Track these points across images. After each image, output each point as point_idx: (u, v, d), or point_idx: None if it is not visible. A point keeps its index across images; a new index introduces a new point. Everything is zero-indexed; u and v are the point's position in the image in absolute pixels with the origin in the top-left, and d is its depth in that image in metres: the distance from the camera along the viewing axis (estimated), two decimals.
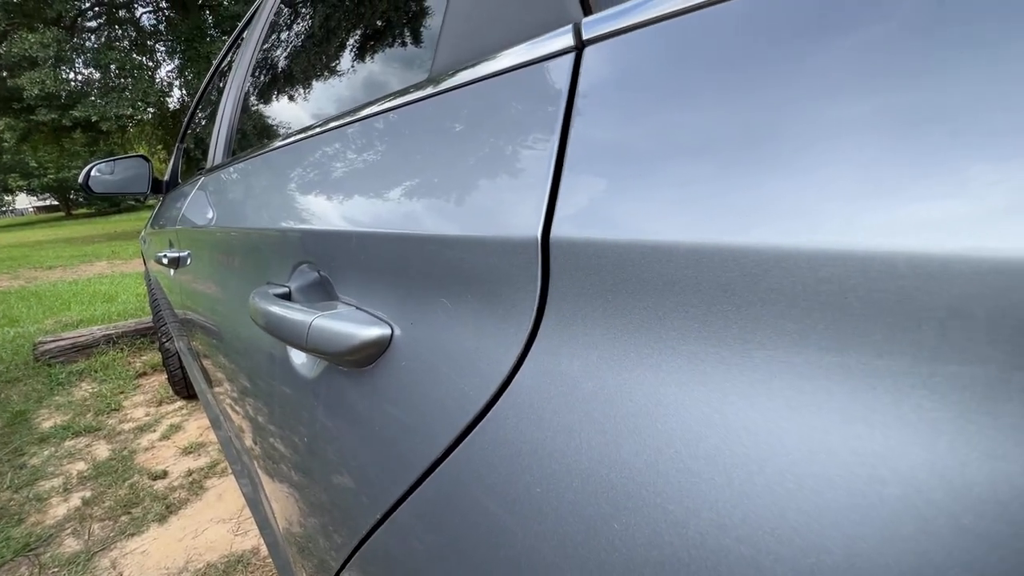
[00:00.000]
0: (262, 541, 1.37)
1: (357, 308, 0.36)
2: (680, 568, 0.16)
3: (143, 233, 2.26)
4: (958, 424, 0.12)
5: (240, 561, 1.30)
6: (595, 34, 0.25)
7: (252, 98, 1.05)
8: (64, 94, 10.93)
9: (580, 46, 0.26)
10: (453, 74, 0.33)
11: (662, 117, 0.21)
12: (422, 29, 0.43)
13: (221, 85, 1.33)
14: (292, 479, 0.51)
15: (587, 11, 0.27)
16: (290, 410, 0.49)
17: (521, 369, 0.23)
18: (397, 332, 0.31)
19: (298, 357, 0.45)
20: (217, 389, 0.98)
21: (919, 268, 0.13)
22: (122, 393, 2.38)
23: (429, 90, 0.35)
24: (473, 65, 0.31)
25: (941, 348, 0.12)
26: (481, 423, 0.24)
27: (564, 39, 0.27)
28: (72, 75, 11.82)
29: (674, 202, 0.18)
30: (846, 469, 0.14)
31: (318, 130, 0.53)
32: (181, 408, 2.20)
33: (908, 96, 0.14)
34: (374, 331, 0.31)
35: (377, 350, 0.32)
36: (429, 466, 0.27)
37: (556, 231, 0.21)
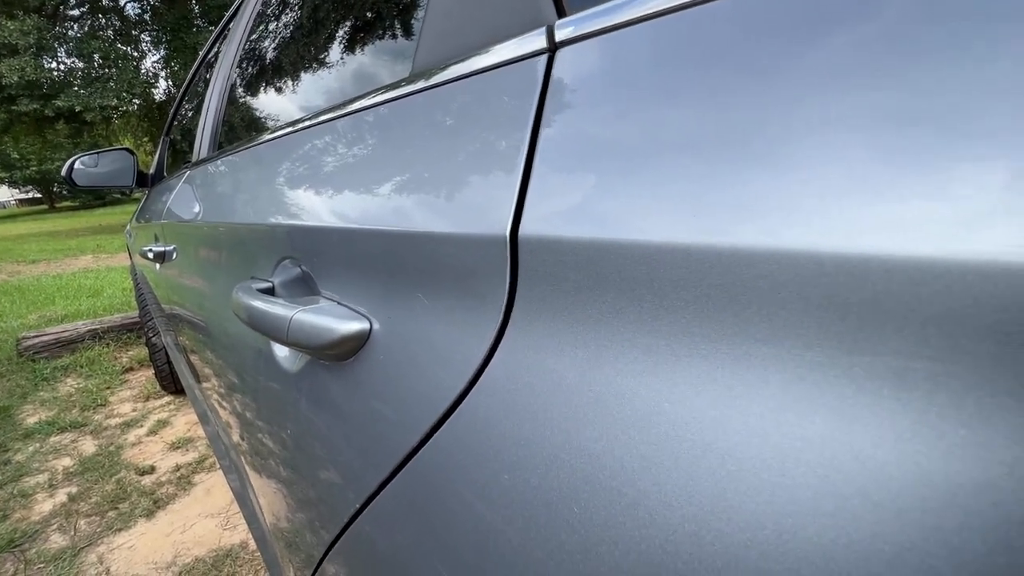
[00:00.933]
0: (250, 535, 1.38)
1: (338, 303, 0.36)
2: (631, 546, 0.17)
3: (128, 227, 2.24)
4: (873, 410, 0.13)
5: (229, 555, 1.31)
6: (568, 36, 0.26)
7: (238, 90, 1.05)
8: (46, 83, 10.70)
9: (553, 48, 0.27)
10: (430, 74, 0.33)
11: (631, 119, 0.22)
12: (403, 28, 0.44)
13: (207, 76, 1.32)
14: (278, 473, 0.52)
15: (561, 14, 0.28)
16: (275, 404, 0.50)
17: (491, 362, 0.23)
18: (376, 326, 0.32)
19: (281, 351, 0.46)
20: (204, 384, 0.98)
21: (840, 266, 0.14)
22: (108, 388, 2.35)
23: (407, 89, 0.36)
24: (450, 66, 0.32)
25: (858, 340, 0.13)
26: (454, 414, 0.25)
27: (537, 41, 0.27)
28: (54, 64, 11.56)
29: (631, 203, 0.19)
30: (778, 452, 0.15)
31: (301, 126, 0.53)
32: (169, 403, 2.18)
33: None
34: (353, 325, 0.32)
35: (356, 344, 0.32)
36: (406, 455, 0.28)
37: (524, 229, 0.22)
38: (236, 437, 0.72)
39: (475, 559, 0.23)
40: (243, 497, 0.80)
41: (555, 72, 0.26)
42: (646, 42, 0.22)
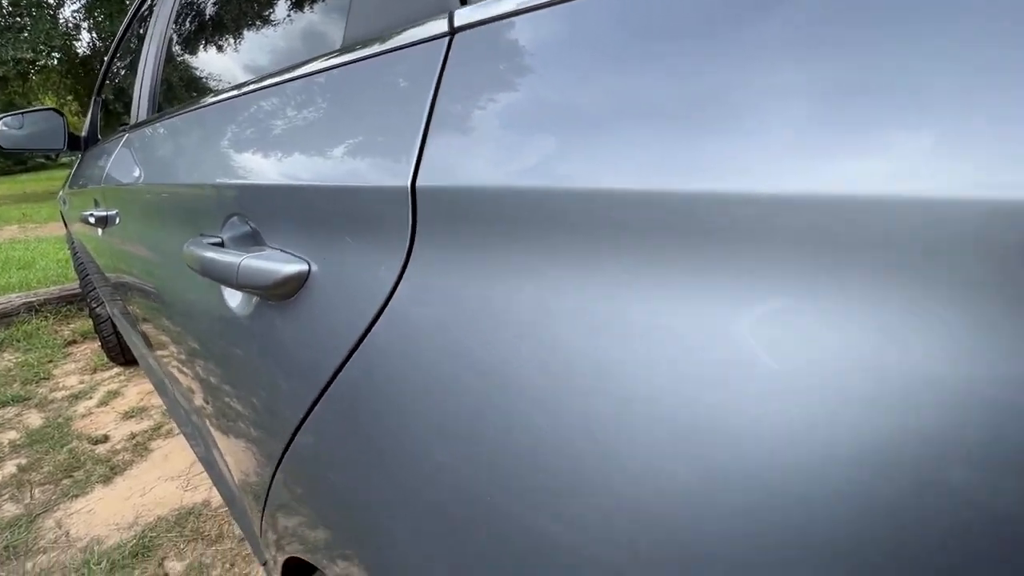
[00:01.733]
0: (213, 493, 1.42)
1: (281, 251, 0.42)
2: (529, 447, 0.23)
3: (62, 193, 2.12)
4: (731, 298, 0.20)
5: (191, 513, 1.35)
6: (466, 22, 0.32)
7: (175, 48, 1.03)
8: None
9: (453, 32, 0.32)
10: (353, 50, 0.38)
11: (509, 93, 0.28)
12: (334, 6, 0.48)
13: (141, 32, 1.27)
14: (241, 427, 0.56)
15: (464, 2, 0.33)
16: (230, 354, 0.55)
17: (398, 289, 0.30)
18: (314, 268, 0.38)
19: (234, 300, 0.51)
20: (159, 352, 0.99)
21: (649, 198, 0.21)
22: (51, 362, 2.27)
23: (335, 61, 0.40)
24: (370, 43, 0.37)
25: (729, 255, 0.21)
26: (371, 331, 0.32)
27: (440, 25, 0.33)
28: None
29: (504, 157, 0.26)
30: (620, 337, 0.22)
31: (242, 91, 0.56)
32: (119, 374, 2.14)
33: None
34: (294, 267, 0.38)
35: (297, 283, 0.38)
36: (335, 371, 0.35)
37: (421, 180, 0.29)
38: (199, 401, 0.75)
39: (389, 451, 0.30)
40: (209, 461, 0.82)
41: (453, 52, 0.32)
42: (527, 30, 0.29)
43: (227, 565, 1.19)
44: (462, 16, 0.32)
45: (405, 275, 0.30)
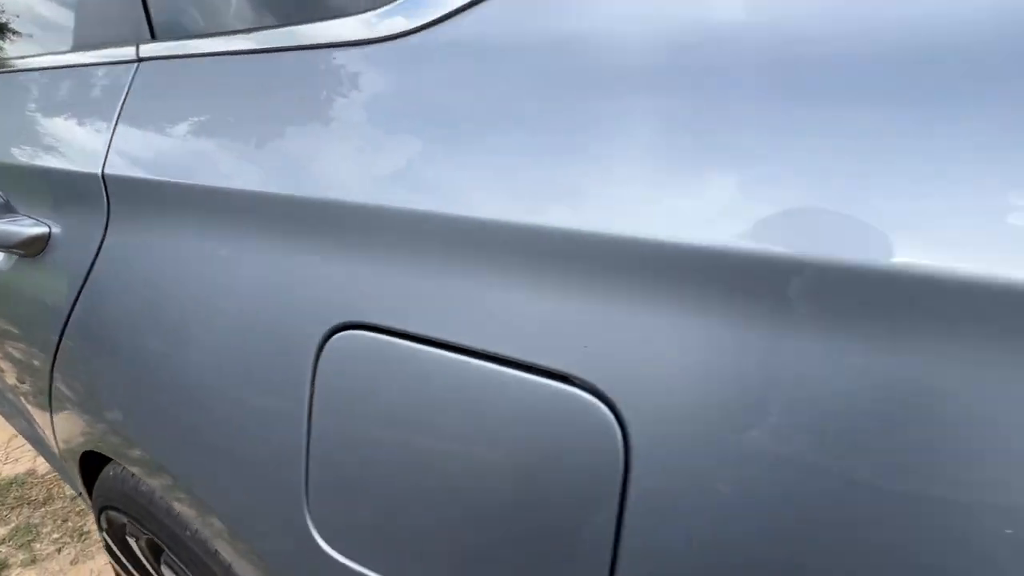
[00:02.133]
0: (38, 463, 1.40)
1: (28, 217, 0.53)
2: (187, 319, 0.41)
3: None
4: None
5: (14, 483, 1.34)
6: (149, 55, 0.46)
7: None
8: None
9: (139, 60, 0.46)
10: (73, 53, 0.50)
11: (171, 112, 0.43)
12: (66, 12, 0.57)
13: None
14: (27, 376, 0.64)
15: (154, 37, 0.47)
16: (7, 311, 0.63)
17: (103, 243, 0.45)
18: (55, 230, 0.50)
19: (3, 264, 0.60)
20: None
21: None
22: None
23: (60, 61, 0.52)
24: (84, 52, 0.49)
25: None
26: (92, 269, 0.46)
27: (130, 52, 0.46)
28: None
29: (162, 156, 0.42)
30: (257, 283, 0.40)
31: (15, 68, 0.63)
32: None
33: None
34: (37, 230, 0.50)
35: (43, 242, 0.51)
36: (74, 301, 0.48)
37: (108, 169, 0.43)
38: (13, 380, 0.77)
39: (108, 344, 0.46)
40: (35, 438, 0.84)
41: (137, 76, 0.46)
42: (190, 70, 0.43)
43: (59, 521, 1.23)
44: (146, 50, 0.46)
45: (107, 234, 0.45)
